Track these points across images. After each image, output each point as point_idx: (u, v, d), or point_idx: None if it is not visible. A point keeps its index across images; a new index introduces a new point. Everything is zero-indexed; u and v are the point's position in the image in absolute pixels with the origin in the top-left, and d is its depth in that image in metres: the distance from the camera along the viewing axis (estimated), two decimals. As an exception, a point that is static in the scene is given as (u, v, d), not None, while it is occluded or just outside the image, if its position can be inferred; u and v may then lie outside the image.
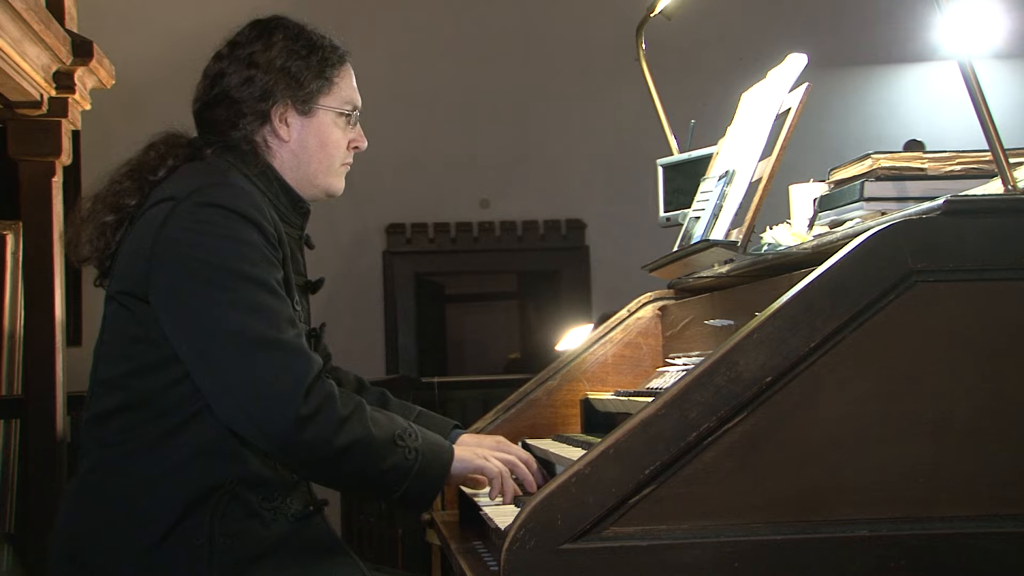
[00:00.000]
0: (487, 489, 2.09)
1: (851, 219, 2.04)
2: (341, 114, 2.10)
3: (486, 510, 2.04)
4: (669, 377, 2.49)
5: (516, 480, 2.10)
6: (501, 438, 2.28)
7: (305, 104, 2.05)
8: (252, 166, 2.02)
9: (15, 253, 4.13)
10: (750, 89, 2.48)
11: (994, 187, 1.79)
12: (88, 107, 3.53)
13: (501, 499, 2.06)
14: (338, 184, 2.13)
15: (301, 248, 2.12)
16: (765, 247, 2.20)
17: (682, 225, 2.52)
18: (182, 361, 1.87)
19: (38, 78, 3.20)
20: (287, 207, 2.05)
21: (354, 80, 2.14)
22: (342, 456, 1.83)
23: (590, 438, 2.46)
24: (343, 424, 1.83)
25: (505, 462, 2.08)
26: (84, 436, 1.97)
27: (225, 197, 1.88)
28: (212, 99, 2.05)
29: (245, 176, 1.99)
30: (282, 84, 2.03)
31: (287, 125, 2.05)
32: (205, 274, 1.83)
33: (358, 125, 2.15)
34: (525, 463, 2.14)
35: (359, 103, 2.14)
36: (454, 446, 2.05)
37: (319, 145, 2.08)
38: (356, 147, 2.14)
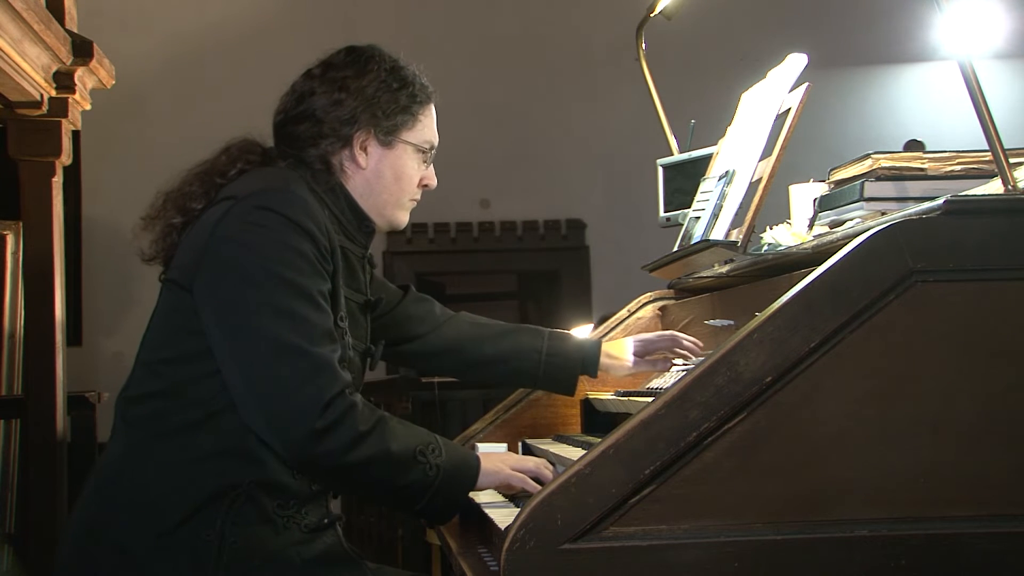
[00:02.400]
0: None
1: (851, 219, 2.04)
2: (419, 151, 2.14)
3: (486, 510, 2.04)
4: (669, 377, 2.50)
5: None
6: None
7: (388, 136, 2.09)
8: (322, 183, 2.06)
9: (15, 253, 4.12)
10: (750, 89, 2.48)
11: (994, 187, 1.79)
12: (88, 107, 3.53)
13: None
14: (403, 218, 2.17)
15: (363, 267, 2.14)
16: (765, 247, 2.20)
17: (682, 225, 2.52)
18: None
19: (38, 78, 3.20)
20: (353, 225, 2.09)
21: (435, 121, 2.18)
22: (356, 472, 1.85)
23: (590, 438, 2.47)
24: (360, 440, 1.83)
25: (534, 467, 2.05)
26: (116, 416, 1.99)
27: (282, 203, 1.91)
28: (297, 115, 2.09)
29: (312, 191, 2.01)
30: (368, 112, 2.07)
31: (366, 153, 2.09)
32: (247, 273, 1.86)
33: (431, 165, 2.18)
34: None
35: (436, 143, 2.18)
36: (480, 457, 2.01)
37: (394, 177, 2.11)
38: (426, 185, 2.18)
